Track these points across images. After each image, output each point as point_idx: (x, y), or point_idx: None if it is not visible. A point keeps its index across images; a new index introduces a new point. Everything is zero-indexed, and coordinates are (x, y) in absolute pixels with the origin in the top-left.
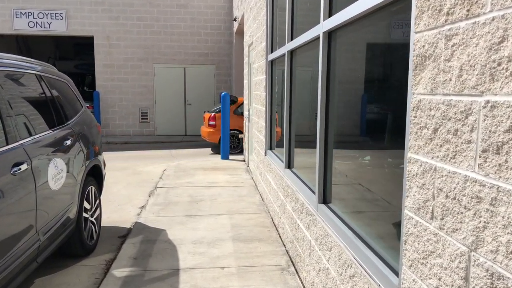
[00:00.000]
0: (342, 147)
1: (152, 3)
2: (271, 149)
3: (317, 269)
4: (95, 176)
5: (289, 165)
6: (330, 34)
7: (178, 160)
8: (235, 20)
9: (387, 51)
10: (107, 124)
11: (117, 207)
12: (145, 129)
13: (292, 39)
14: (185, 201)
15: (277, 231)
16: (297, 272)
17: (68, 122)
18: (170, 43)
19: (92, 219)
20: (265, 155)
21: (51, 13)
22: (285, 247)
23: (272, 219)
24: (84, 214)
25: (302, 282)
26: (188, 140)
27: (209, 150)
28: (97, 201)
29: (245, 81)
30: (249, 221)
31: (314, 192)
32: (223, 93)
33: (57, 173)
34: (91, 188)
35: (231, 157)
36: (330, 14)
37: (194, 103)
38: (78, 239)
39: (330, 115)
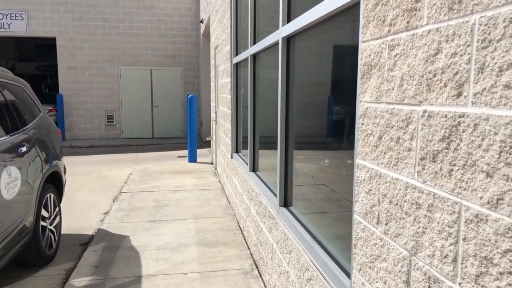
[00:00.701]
0: (309, 148)
1: (117, 4)
2: (237, 152)
3: (278, 272)
4: (55, 182)
5: (254, 168)
6: (288, 40)
7: (145, 164)
8: (201, 22)
9: (343, 56)
10: (72, 128)
11: (80, 213)
12: (111, 132)
13: (255, 43)
14: (151, 206)
15: (243, 234)
16: (260, 275)
17: (25, 128)
18: (136, 45)
19: (51, 227)
20: (231, 158)
21: (10, 14)
22: (250, 251)
23: (238, 222)
24: (42, 223)
25: (265, 285)
26: (155, 143)
27: (176, 153)
28: (57, 209)
29: (212, 83)
30: (214, 225)
31: (276, 195)
32: (190, 95)
33: (11, 182)
34: (50, 195)
35: (202, 160)
36: (289, 19)
37: (162, 105)
38: (35, 248)
39: (290, 118)
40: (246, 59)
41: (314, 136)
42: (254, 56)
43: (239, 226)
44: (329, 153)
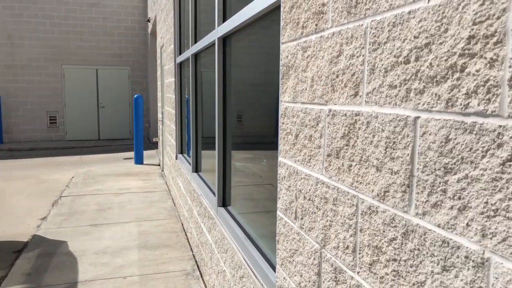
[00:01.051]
0: (258, 148)
1: (59, 1)
2: (181, 152)
3: (216, 271)
4: None
5: (196, 169)
6: (224, 40)
7: (89, 167)
8: (148, 21)
9: (276, 55)
10: (10, 130)
11: (14, 219)
12: (54, 134)
13: (195, 42)
14: (92, 209)
15: (186, 236)
16: (201, 276)
17: None
18: (81, 43)
19: None
20: (176, 159)
21: None
22: (192, 252)
23: (182, 224)
24: None
25: (205, 286)
26: (101, 145)
27: (123, 154)
28: None
29: (159, 83)
30: (158, 227)
31: (215, 195)
32: (135, 96)
33: None
34: None
35: (149, 161)
36: (224, 19)
37: (108, 106)
38: None
39: (228, 118)
40: (188, 58)
41: (263, 136)
42: (196, 56)
43: (183, 227)
44: (277, 152)
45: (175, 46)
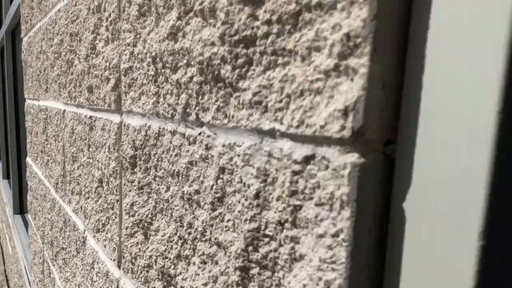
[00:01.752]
0: None
1: None
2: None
3: (17, 283)
4: None
5: (8, 175)
6: (13, 33)
7: None
8: None
9: None
10: None
11: None
12: None
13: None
14: None
15: (1, 250)
16: None
17: None
18: None
19: None
20: None
21: None
22: (4, 266)
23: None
24: None
25: None
26: None
27: None
28: None
29: None
30: None
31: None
32: None
33: None
34: None
35: None
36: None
37: None
38: None
39: (21, 120)
40: None
41: None
42: (1, 52)
43: None
44: None
45: None
